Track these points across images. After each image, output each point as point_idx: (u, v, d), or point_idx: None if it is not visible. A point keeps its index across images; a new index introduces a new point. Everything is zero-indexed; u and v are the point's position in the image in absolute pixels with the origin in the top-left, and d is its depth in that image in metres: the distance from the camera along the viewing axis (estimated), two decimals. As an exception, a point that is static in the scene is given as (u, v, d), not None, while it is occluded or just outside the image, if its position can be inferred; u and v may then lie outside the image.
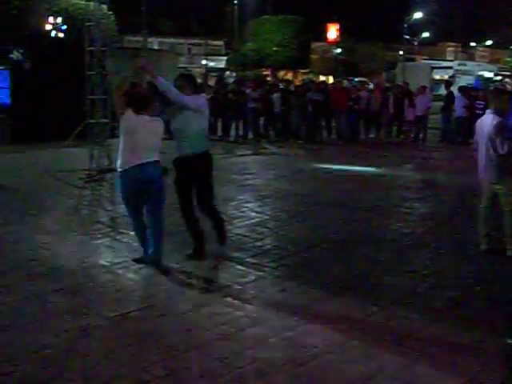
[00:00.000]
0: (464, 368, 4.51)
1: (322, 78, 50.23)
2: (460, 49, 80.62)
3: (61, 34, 26.40)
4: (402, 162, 16.30)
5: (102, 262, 7.08)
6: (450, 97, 20.21)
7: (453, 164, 16.09)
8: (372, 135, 21.15)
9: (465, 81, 43.44)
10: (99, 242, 7.94)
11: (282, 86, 21.92)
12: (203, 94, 6.89)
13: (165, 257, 6.86)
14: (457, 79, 46.68)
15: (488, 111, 7.40)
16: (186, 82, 7.01)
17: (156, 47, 52.63)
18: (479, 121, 7.57)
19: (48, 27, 26.23)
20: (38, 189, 11.73)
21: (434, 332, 5.13)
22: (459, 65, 60.03)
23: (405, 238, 8.27)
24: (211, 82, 37.54)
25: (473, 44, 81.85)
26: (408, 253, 7.59)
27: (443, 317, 5.47)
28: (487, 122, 7.25)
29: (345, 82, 28.07)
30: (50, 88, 18.31)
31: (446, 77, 48.44)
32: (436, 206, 10.49)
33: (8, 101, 19.10)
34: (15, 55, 20.47)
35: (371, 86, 24.42)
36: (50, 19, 26.23)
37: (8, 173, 13.43)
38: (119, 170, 6.78)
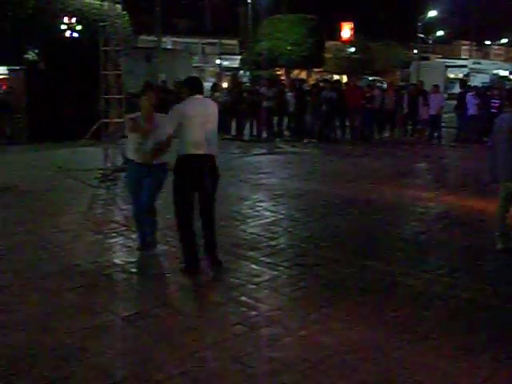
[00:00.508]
0: (480, 368, 4.48)
1: (336, 76, 50.05)
2: (475, 47, 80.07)
3: (75, 34, 26.51)
4: (416, 160, 16.23)
5: (117, 260, 7.10)
6: (463, 95, 20.11)
7: (467, 163, 15.99)
8: (386, 134, 21.07)
9: (479, 79, 43.23)
10: (114, 240, 7.97)
11: (296, 85, 21.90)
12: (198, 96, 6.71)
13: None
14: (471, 78, 46.45)
15: (507, 110, 7.36)
16: (183, 85, 7.01)
17: (170, 47, 52.69)
18: (498, 119, 7.52)
19: (63, 27, 26.34)
20: (53, 187, 11.79)
21: (450, 332, 5.10)
22: (474, 63, 59.77)
23: (420, 237, 8.23)
24: (225, 81, 37.57)
25: (488, 42, 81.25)
26: (423, 252, 7.56)
27: (459, 317, 5.44)
28: (507, 120, 7.21)
29: (361, 80, 27.92)
30: (65, 88, 18.40)
31: (460, 75, 48.24)
32: (450, 206, 10.42)
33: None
34: (30, 55, 20.62)
35: (385, 85, 24.34)
36: (65, 19, 26.34)
37: (23, 172, 13.51)
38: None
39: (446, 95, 23.97)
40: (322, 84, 22.33)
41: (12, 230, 8.48)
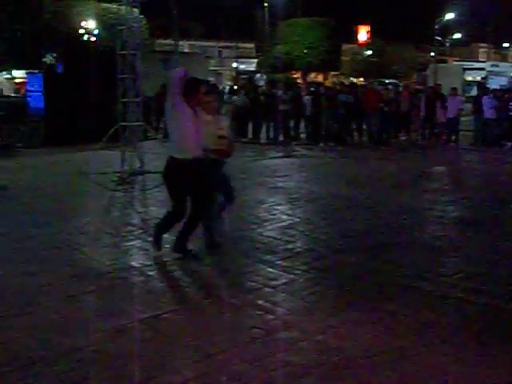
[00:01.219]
0: (498, 373, 4.44)
1: (353, 79, 49.96)
2: (492, 50, 79.68)
3: (93, 38, 26.69)
4: (434, 164, 16.15)
5: (134, 263, 7.12)
6: (480, 98, 19.98)
7: (485, 166, 15.90)
8: (403, 137, 21.00)
9: (497, 82, 42.90)
10: (131, 243, 8.00)
11: (312, 89, 21.90)
12: None
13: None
14: (489, 80, 46.11)
15: None
16: None
17: (187, 50, 52.92)
18: None
19: (80, 31, 26.52)
20: (71, 191, 11.87)
21: (467, 337, 5.05)
22: (492, 66, 59.29)
23: (437, 241, 8.17)
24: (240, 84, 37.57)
25: (506, 45, 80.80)
26: (440, 256, 7.50)
27: (476, 322, 5.39)
28: None
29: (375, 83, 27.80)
30: (83, 91, 18.52)
31: (478, 78, 47.93)
32: (469, 209, 10.35)
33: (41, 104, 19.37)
34: (48, 59, 20.75)
35: (401, 87, 24.30)
36: (83, 23, 26.52)
37: (41, 175, 13.61)
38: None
39: (463, 98, 23.79)
40: (338, 87, 22.31)
41: (30, 233, 8.53)
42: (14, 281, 6.50)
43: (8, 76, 32.91)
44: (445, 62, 59.55)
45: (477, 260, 7.32)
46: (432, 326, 5.28)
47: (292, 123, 20.82)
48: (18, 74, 32.19)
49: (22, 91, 22.47)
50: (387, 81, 42.59)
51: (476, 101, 20.21)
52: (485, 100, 19.23)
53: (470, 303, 5.83)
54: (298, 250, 7.67)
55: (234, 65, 61.57)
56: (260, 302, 5.84)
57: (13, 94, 28.13)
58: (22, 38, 19.27)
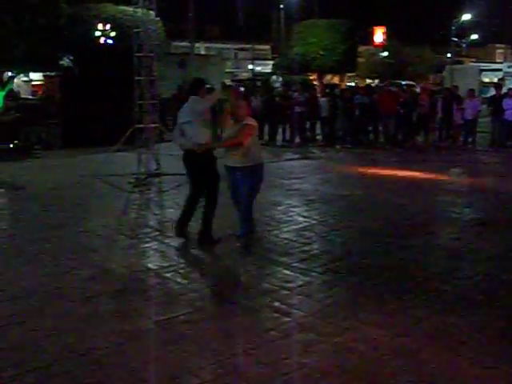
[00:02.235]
0: (517, 377, 4.41)
1: (369, 81, 49.82)
2: (510, 50, 79.09)
3: (109, 41, 26.81)
4: (451, 166, 16.05)
5: (150, 265, 7.14)
6: (499, 100, 19.78)
7: (503, 168, 15.78)
8: (420, 139, 20.88)
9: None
10: (147, 245, 8.02)
11: (328, 90, 21.86)
12: (194, 97, 7.85)
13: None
14: (506, 81, 45.75)
15: None
16: None
17: (203, 52, 53.02)
18: None
19: (97, 34, 26.66)
20: (87, 192, 11.93)
21: (486, 340, 5.01)
22: (509, 67, 58.80)
23: (455, 243, 8.12)
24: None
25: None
26: (459, 259, 7.45)
27: (495, 325, 5.35)
28: None
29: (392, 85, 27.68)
30: (100, 93, 18.61)
31: (495, 79, 47.54)
32: (486, 211, 10.27)
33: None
34: (65, 62, 20.89)
35: (418, 89, 24.17)
36: (99, 26, 26.65)
37: (59, 176, 13.69)
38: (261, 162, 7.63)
39: (480, 98, 23.57)
40: (351, 84, 22.22)
41: (47, 234, 8.59)
42: (32, 282, 6.54)
43: (25, 79, 33.14)
44: (461, 63, 59.23)
45: (496, 262, 7.26)
46: (450, 328, 5.24)
47: (308, 125, 20.78)
48: (35, 77, 32.46)
49: (40, 93, 22.62)
50: (403, 82, 42.35)
51: (493, 102, 20.02)
52: (507, 102, 19.02)
53: (488, 306, 5.78)
54: (315, 251, 7.66)
55: (250, 67, 61.59)
56: (276, 304, 5.84)
57: (30, 96, 28.34)
58: (39, 41, 19.39)
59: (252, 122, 7.54)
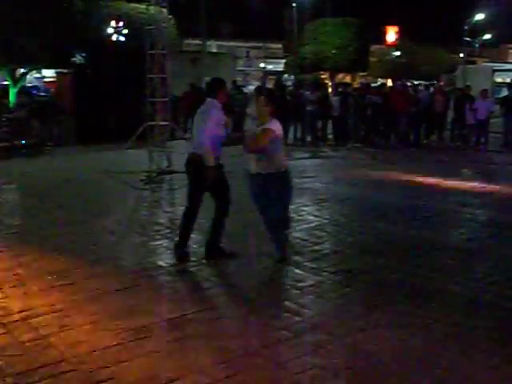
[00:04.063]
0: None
1: (381, 80, 49.65)
2: (524, 51, 78.67)
3: (122, 38, 26.82)
4: (463, 166, 15.98)
5: (161, 263, 7.13)
6: (511, 100, 19.66)
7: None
8: (433, 139, 20.80)
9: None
10: (158, 243, 8.02)
11: (340, 89, 21.80)
12: (210, 100, 7.11)
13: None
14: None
15: None
16: None
17: (214, 50, 52.99)
18: None
19: (109, 31, 26.67)
20: (99, 189, 11.96)
21: (498, 342, 4.97)
22: (522, 67, 58.45)
23: (468, 244, 8.07)
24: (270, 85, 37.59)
25: (537, 46, 79.75)
26: (472, 260, 7.41)
27: (508, 327, 5.30)
28: None
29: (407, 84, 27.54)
30: (112, 91, 18.65)
31: (507, 80, 47.29)
32: (499, 212, 10.20)
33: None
34: (78, 59, 20.92)
35: (431, 88, 24.06)
36: (112, 23, 26.67)
37: (71, 173, 13.72)
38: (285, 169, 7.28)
39: (493, 99, 23.43)
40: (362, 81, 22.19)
41: (59, 231, 8.61)
42: (43, 280, 6.55)
43: (38, 75, 33.21)
44: (474, 63, 58.95)
45: (509, 263, 7.20)
46: (463, 330, 5.20)
47: (319, 124, 20.71)
48: (48, 74, 32.51)
49: (53, 90, 22.67)
50: (416, 82, 42.19)
51: (506, 102, 19.88)
52: None
53: (502, 308, 5.74)
54: (326, 251, 7.63)
55: (262, 65, 61.57)
56: (287, 303, 5.82)
57: (42, 93, 28.38)
58: (52, 38, 19.42)
59: (273, 125, 7.18)
